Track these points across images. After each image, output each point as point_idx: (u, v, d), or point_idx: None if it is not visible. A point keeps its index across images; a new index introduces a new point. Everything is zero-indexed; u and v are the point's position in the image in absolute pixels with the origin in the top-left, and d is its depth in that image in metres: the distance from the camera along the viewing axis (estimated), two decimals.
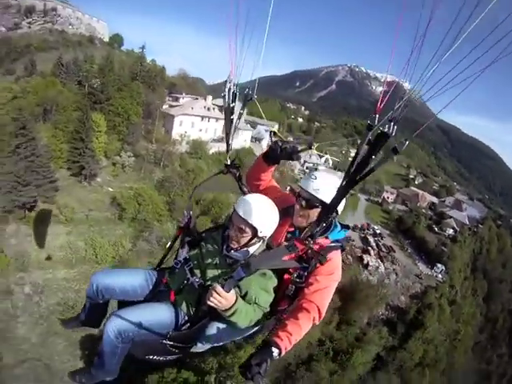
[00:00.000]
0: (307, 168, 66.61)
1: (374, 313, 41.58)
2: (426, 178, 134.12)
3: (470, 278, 64.28)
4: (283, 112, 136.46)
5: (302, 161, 72.13)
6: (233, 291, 2.43)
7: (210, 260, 2.91)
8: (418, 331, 40.13)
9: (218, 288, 2.31)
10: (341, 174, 2.50)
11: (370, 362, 32.80)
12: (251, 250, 2.84)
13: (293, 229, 3.08)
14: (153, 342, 2.78)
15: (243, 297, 2.68)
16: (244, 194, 3.25)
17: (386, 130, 1.75)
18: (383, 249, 53.42)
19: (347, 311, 36.14)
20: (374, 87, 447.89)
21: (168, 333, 2.76)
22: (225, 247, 2.87)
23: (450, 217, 76.83)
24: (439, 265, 56.25)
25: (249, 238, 2.74)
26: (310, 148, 3.31)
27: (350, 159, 1.98)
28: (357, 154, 1.92)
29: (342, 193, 2.11)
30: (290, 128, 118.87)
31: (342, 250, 3.04)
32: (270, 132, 3.33)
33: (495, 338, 60.48)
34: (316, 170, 3.07)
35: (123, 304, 3.00)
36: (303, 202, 2.90)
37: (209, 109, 62.38)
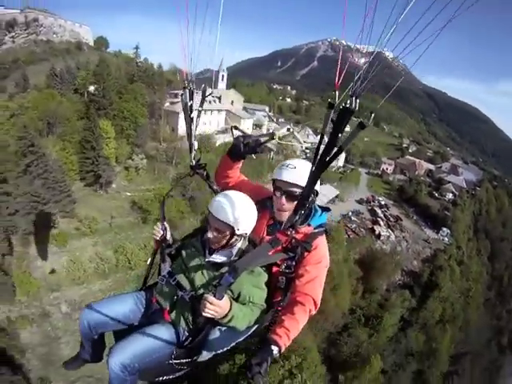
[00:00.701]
0: (307, 148, 67.80)
1: (392, 279, 44.02)
2: (420, 145, 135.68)
3: (473, 238, 66.95)
4: (271, 94, 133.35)
5: (301, 141, 73.45)
6: (226, 297, 2.43)
7: (195, 268, 2.86)
8: (433, 292, 42.56)
9: (210, 298, 2.31)
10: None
11: (397, 323, 35.30)
12: (234, 250, 2.82)
13: (272, 221, 3.07)
14: (160, 364, 2.77)
15: (237, 298, 2.70)
16: (215, 192, 3.28)
17: (348, 105, 1.72)
18: (391, 218, 55.45)
19: (369, 280, 38.66)
20: (356, 59, 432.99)
21: (172, 352, 2.75)
22: (207, 251, 2.85)
23: (449, 182, 79.06)
24: (444, 228, 58.68)
25: (227, 237, 2.71)
26: (273, 138, 3.14)
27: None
28: (322, 135, 1.95)
29: (313, 178, 2.09)
30: (281, 109, 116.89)
31: (326, 233, 3.04)
32: (231, 127, 3.33)
33: (503, 295, 63.97)
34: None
35: (119, 333, 2.97)
36: (284, 195, 2.88)
37: (210, 102, 62.48)
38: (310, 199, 2.66)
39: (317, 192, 2.87)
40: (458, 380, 41.48)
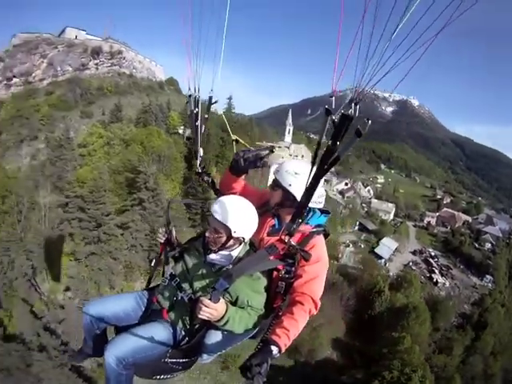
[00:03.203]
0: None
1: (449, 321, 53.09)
2: (453, 196, 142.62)
3: (509, 285, 73.13)
4: (310, 144, 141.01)
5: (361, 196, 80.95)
6: (222, 300, 2.49)
7: (195, 271, 2.93)
8: (485, 329, 50.45)
9: (206, 301, 2.36)
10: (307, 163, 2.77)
11: (461, 354, 44.65)
12: (234, 253, 2.87)
13: (273, 222, 3.17)
14: (155, 362, 2.84)
15: (235, 302, 2.76)
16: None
17: (347, 112, 1.74)
18: (443, 268, 65.14)
19: (432, 321, 46.81)
20: (383, 108, 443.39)
21: (168, 351, 2.84)
22: (206, 253, 2.91)
23: (486, 233, 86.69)
24: (488, 276, 66.94)
25: (224, 238, 2.76)
26: (272, 152, 3.25)
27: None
28: (319, 143, 1.97)
29: (311, 186, 2.09)
30: None
31: (326, 235, 3.09)
32: (233, 140, 3.42)
33: None
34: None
35: (120, 330, 3.05)
36: (272, 185, 3.14)
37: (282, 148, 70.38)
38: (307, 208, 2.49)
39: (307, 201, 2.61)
40: None
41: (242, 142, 3.45)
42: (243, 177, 3.39)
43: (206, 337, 2.89)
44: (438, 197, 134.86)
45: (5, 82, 65.14)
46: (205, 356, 3.07)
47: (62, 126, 56.89)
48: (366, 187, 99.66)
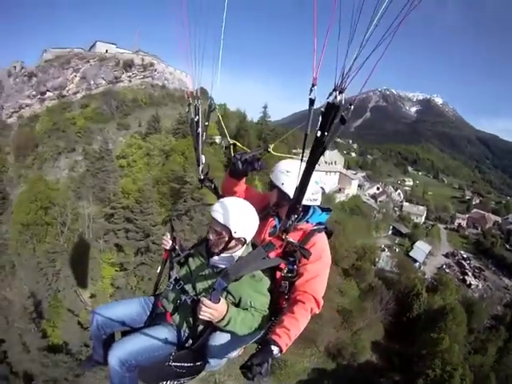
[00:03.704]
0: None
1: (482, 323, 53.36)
2: (482, 197, 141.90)
3: None
4: (337, 149, 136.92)
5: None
6: (223, 301, 2.52)
7: (198, 273, 2.98)
8: None
9: (206, 301, 2.39)
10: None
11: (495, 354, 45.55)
12: (236, 255, 2.89)
13: (274, 222, 3.17)
14: (159, 365, 2.87)
15: (238, 303, 2.77)
16: None
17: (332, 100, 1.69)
18: (475, 270, 66.11)
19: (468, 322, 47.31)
20: (407, 108, 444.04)
21: (171, 354, 2.86)
22: (209, 256, 2.95)
23: None
24: None
25: (226, 239, 2.79)
26: (267, 151, 3.30)
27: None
28: (306, 134, 1.88)
29: (303, 181, 2.07)
30: (348, 165, 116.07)
31: (329, 233, 3.12)
32: (230, 144, 3.52)
33: None
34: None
35: (126, 334, 3.11)
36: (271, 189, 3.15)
37: (327, 163, 72.32)
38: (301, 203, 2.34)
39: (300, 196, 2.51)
40: None
41: (240, 146, 3.52)
42: (244, 180, 3.43)
43: (209, 339, 2.89)
44: (467, 198, 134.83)
45: (39, 97, 67.04)
46: (212, 362, 3.10)
47: (99, 138, 58.82)
48: (396, 190, 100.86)
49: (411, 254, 64.25)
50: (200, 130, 3.30)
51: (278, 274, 2.90)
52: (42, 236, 41.18)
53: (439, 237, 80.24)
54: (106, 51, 77.10)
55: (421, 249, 66.01)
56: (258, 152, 3.30)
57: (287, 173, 2.96)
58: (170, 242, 3.29)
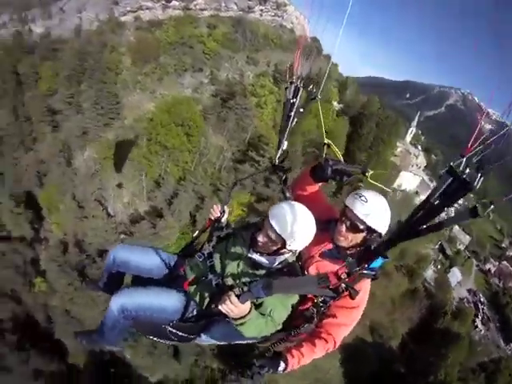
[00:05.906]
0: None
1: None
2: None
3: None
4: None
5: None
6: (249, 304, 2.45)
7: (233, 258, 2.93)
8: None
9: (233, 298, 2.33)
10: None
11: None
12: (279, 258, 2.84)
13: (331, 246, 2.97)
14: (156, 324, 2.92)
15: (259, 305, 2.70)
16: (285, 198, 3.20)
17: (468, 179, 1.45)
18: (485, 317, 70.80)
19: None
20: (482, 122, 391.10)
21: (172, 320, 2.88)
22: (251, 249, 2.87)
23: None
24: None
25: (277, 247, 2.74)
26: (364, 175, 3.01)
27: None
28: (428, 200, 1.59)
29: (393, 241, 1.81)
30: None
31: (374, 278, 2.87)
32: (324, 144, 3.21)
33: None
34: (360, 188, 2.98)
35: (137, 280, 3.22)
36: (348, 223, 2.80)
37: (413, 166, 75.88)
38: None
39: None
40: None
41: (334, 149, 3.19)
42: (319, 185, 3.28)
43: (213, 323, 2.97)
44: (503, 245, 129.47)
45: (163, 3, 64.42)
46: (203, 337, 3.11)
47: (226, 66, 57.15)
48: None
49: (448, 275, 69.29)
50: (293, 113, 3.09)
51: (311, 297, 2.87)
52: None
53: (470, 271, 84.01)
54: None
55: (455, 275, 71.05)
56: (352, 170, 3.05)
57: (384, 211, 2.77)
58: (219, 213, 3.22)
